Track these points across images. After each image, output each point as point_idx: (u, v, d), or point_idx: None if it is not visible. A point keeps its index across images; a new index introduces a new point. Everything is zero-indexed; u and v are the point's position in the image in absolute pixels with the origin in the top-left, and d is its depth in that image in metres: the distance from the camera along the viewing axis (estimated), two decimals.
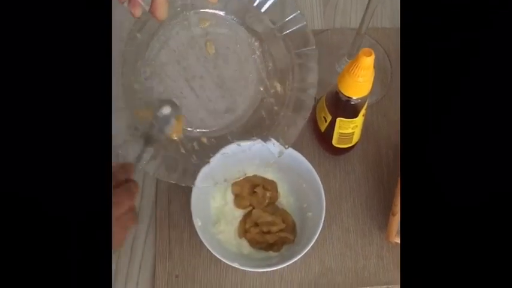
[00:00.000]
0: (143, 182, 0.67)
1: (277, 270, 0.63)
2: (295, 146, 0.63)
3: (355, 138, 0.65)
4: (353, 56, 0.70)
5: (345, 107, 0.60)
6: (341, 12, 0.77)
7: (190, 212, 0.60)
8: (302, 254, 0.59)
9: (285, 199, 0.66)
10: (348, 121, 0.61)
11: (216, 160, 0.61)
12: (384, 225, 0.66)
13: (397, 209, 0.63)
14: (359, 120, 0.62)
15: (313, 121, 0.67)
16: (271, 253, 0.63)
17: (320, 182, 0.62)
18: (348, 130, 0.63)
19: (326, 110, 0.62)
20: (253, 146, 0.62)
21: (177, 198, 0.66)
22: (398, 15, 0.77)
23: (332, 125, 0.63)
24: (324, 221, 0.61)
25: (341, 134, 0.63)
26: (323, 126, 0.65)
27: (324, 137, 0.66)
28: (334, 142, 0.65)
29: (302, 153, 0.63)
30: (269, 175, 0.66)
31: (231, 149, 0.62)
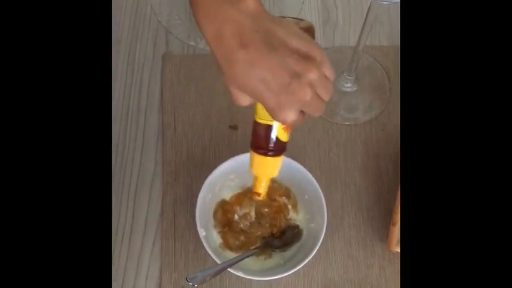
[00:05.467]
0: (149, 196, 0.69)
1: (281, 281, 0.64)
2: (297, 158, 0.65)
3: None
4: (352, 72, 0.73)
5: None
6: (340, 32, 0.80)
7: (195, 224, 0.61)
8: (305, 263, 0.60)
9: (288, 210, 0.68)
10: None
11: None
12: (385, 236, 0.67)
13: (397, 219, 0.64)
14: None
15: None
16: (274, 262, 0.64)
17: (322, 194, 0.64)
18: None
19: None
20: None
21: (182, 212, 0.68)
22: (396, 34, 0.80)
23: None
24: (326, 232, 0.62)
25: None
26: None
27: None
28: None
29: (304, 165, 0.65)
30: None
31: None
